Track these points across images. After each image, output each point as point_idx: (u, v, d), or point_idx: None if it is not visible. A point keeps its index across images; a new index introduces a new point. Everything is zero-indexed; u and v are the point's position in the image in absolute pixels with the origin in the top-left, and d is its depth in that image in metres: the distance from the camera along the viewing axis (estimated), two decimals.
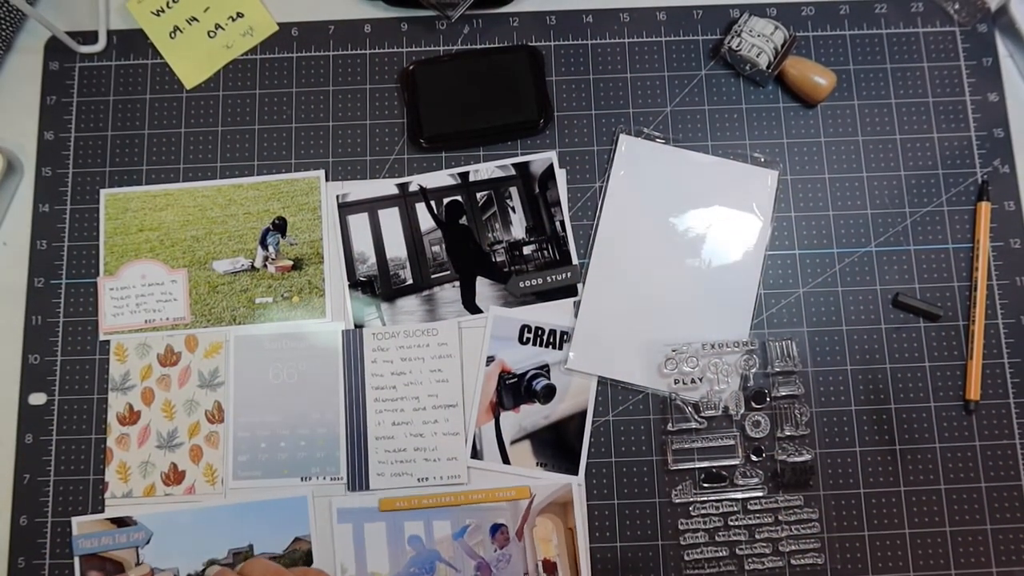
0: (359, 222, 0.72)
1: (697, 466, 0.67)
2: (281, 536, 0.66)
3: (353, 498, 0.67)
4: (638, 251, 0.70)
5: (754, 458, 0.67)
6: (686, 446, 0.67)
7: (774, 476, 0.67)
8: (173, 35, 0.75)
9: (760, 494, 0.67)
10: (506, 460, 0.68)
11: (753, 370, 0.68)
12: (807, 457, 0.67)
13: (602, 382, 0.69)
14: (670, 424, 0.67)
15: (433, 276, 0.71)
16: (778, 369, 0.68)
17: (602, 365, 0.68)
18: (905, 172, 0.72)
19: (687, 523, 0.66)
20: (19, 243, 0.72)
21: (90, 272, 0.71)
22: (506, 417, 0.68)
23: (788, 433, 0.67)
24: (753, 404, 0.68)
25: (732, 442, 0.67)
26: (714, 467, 0.67)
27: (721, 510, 0.67)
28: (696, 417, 0.67)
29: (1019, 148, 0.73)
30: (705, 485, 0.67)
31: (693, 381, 0.67)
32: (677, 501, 0.67)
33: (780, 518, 0.66)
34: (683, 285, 0.70)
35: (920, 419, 0.68)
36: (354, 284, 0.71)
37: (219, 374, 0.69)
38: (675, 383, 0.67)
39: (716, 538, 0.66)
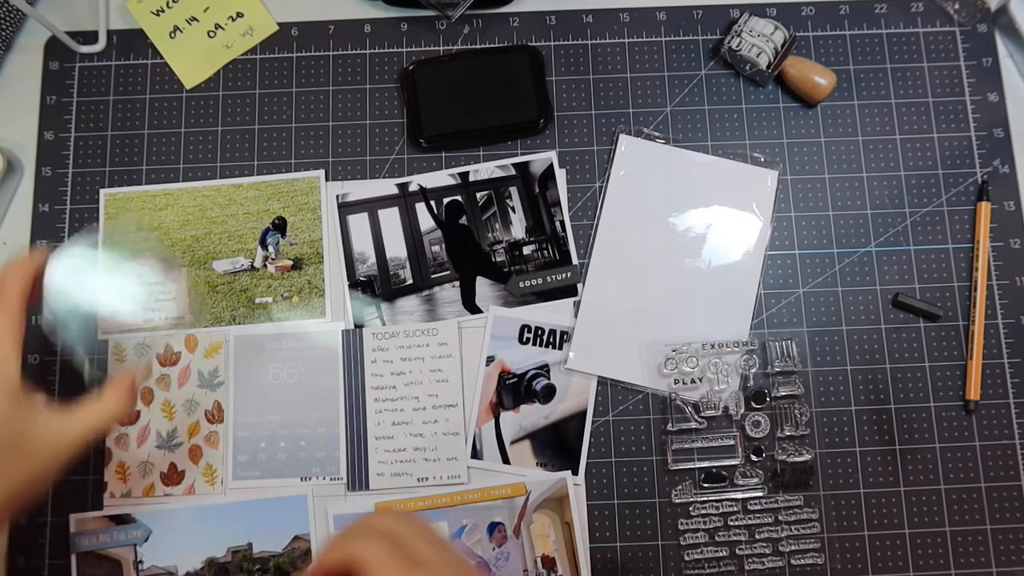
0: (359, 222, 0.72)
1: (697, 466, 0.67)
2: (280, 534, 0.66)
3: (349, 503, 0.67)
4: (638, 251, 0.70)
5: (754, 458, 0.67)
6: (686, 446, 0.67)
7: (774, 476, 0.67)
8: (173, 35, 0.75)
9: (760, 494, 0.67)
10: (506, 460, 0.68)
11: (753, 370, 0.68)
12: (807, 457, 0.67)
13: (602, 382, 0.69)
14: (670, 424, 0.67)
15: (433, 276, 0.71)
16: (778, 369, 0.68)
17: (602, 365, 0.68)
18: (905, 172, 0.72)
19: (687, 523, 0.66)
20: (19, 243, 0.72)
21: None
22: (506, 417, 0.68)
23: (788, 433, 0.67)
24: (753, 404, 0.68)
25: (732, 442, 0.67)
26: (714, 467, 0.67)
27: (721, 510, 0.66)
28: (696, 417, 0.67)
29: (1019, 148, 0.73)
30: (705, 485, 0.67)
31: (693, 381, 0.67)
32: (677, 501, 0.67)
33: (780, 518, 0.66)
34: (683, 285, 0.70)
35: (920, 419, 0.68)
36: (354, 284, 0.71)
37: (219, 374, 0.69)
38: (675, 383, 0.67)
39: (716, 538, 0.66)
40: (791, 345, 0.68)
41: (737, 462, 0.67)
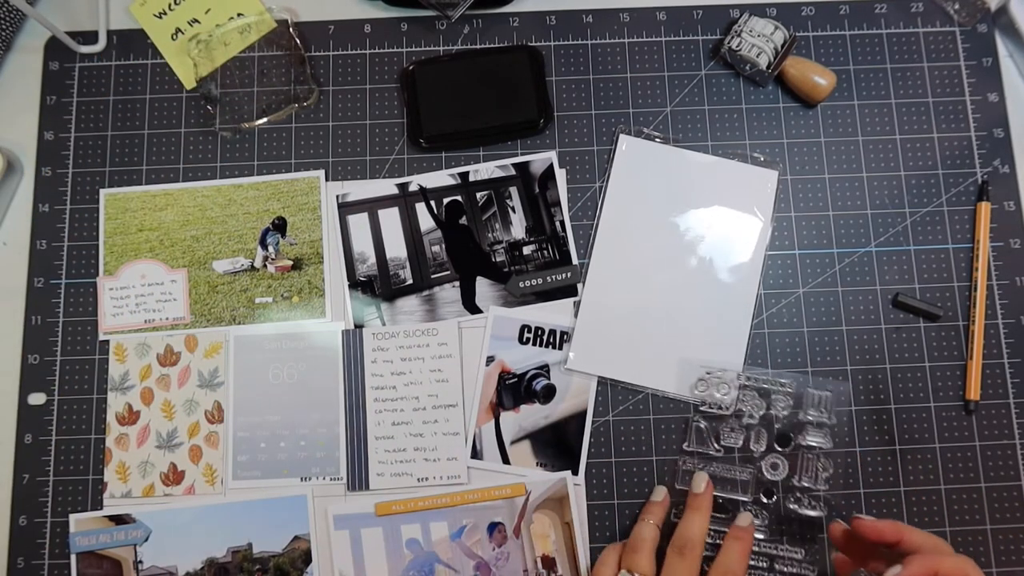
0: (359, 222, 0.72)
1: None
2: (280, 535, 0.66)
3: (349, 504, 0.67)
4: (638, 251, 0.70)
5: (764, 499, 0.66)
6: (698, 470, 0.66)
7: (780, 522, 0.65)
8: (175, 37, 0.75)
9: (761, 537, 0.65)
10: (506, 460, 0.68)
11: (785, 412, 0.66)
12: (818, 514, 0.65)
13: (602, 382, 0.69)
14: (687, 443, 0.67)
15: (433, 276, 0.71)
16: (810, 418, 0.66)
17: (602, 365, 0.68)
18: (905, 172, 0.72)
19: None
20: (19, 243, 0.72)
21: (90, 272, 0.71)
22: (506, 417, 0.68)
23: (804, 484, 0.65)
24: (776, 446, 0.66)
25: (746, 478, 0.66)
26: (721, 497, 0.66)
27: (717, 541, 0.64)
28: (715, 445, 0.67)
29: (1019, 148, 0.73)
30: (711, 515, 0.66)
31: (720, 408, 0.66)
32: (675, 520, 0.65)
33: (776, 567, 0.65)
34: (683, 285, 0.70)
35: (920, 419, 0.68)
36: (354, 284, 0.71)
37: (219, 374, 0.69)
38: (702, 405, 0.67)
39: (705, 567, 0.62)
40: (828, 397, 0.66)
41: (746, 499, 0.65)
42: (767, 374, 0.67)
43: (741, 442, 0.66)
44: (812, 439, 0.66)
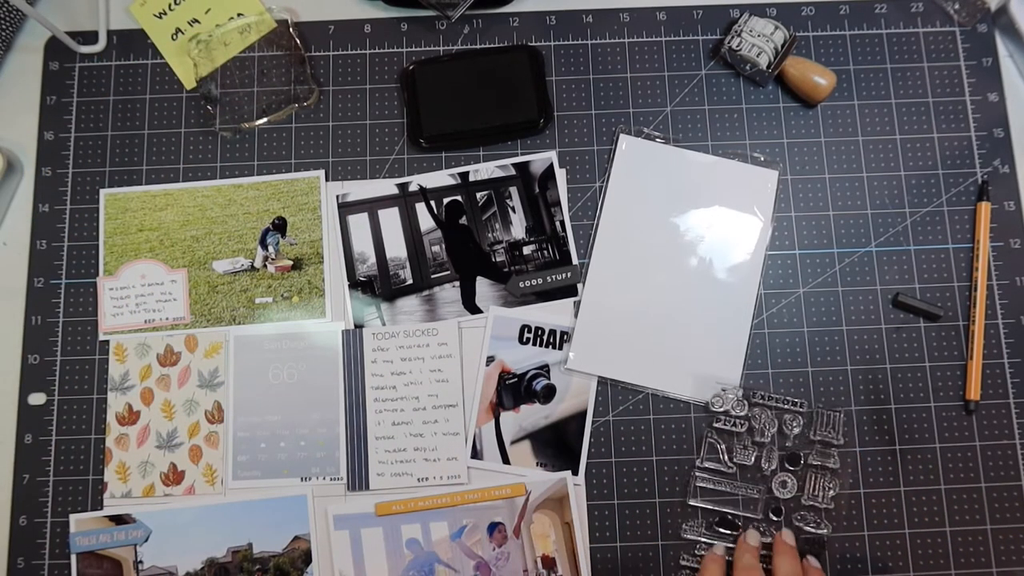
0: (359, 222, 0.72)
1: (715, 508, 0.66)
2: (280, 535, 0.66)
3: (349, 504, 0.67)
4: (638, 251, 0.70)
5: (773, 517, 0.66)
6: (710, 486, 0.67)
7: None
8: (175, 37, 0.75)
9: (767, 553, 0.65)
10: (506, 460, 0.68)
11: (796, 431, 0.67)
12: (823, 532, 0.65)
13: (602, 382, 0.69)
14: (699, 460, 0.67)
15: (433, 276, 0.71)
16: (819, 438, 0.67)
17: (602, 365, 0.68)
18: (905, 172, 0.72)
19: (689, 559, 0.66)
20: (19, 243, 0.72)
21: (90, 272, 0.71)
22: (506, 417, 0.68)
23: (811, 503, 0.66)
24: (787, 464, 0.67)
25: (756, 496, 0.66)
26: (730, 514, 0.66)
27: (728, 557, 0.65)
28: (727, 462, 0.67)
29: (1019, 148, 0.73)
30: (720, 530, 0.66)
31: (735, 424, 0.67)
32: (689, 537, 0.66)
33: None
34: (683, 285, 0.70)
35: (920, 419, 0.68)
36: (354, 284, 0.71)
37: (219, 374, 0.69)
38: (716, 421, 0.67)
39: None
40: (839, 418, 0.67)
41: (756, 517, 0.66)
42: (780, 393, 0.68)
43: (752, 460, 0.66)
44: (821, 459, 0.66)
